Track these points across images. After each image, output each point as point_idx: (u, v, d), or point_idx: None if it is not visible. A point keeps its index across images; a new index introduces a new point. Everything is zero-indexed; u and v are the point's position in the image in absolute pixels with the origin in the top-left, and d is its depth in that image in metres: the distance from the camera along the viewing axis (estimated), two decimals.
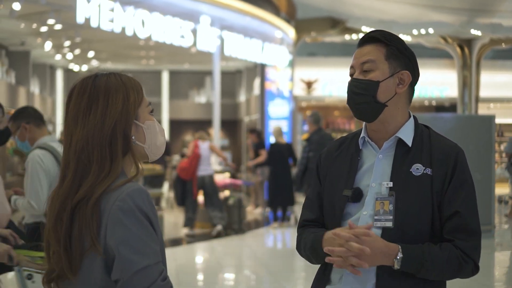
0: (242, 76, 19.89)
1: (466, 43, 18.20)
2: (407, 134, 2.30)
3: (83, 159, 1.85)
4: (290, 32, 15.58)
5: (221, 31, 12.33)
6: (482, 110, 19.47)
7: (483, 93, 18.83)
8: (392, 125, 2.31)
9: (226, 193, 12.68)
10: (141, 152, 1.95)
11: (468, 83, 18.49)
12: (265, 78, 16.16)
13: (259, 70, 16.36)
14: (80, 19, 9.46)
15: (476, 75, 18.48)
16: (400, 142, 2.30)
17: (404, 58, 2.30)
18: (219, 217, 11.01)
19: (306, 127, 18.89)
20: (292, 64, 16.35)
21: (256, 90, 16.99)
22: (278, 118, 16.13)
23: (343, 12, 17.57)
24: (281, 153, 12.34)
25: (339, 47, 20.61)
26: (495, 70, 19.33)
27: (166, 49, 14.25)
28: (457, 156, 2.25)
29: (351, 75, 2.35)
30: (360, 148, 2.37)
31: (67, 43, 13.67)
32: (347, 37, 17.83)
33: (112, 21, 9.88)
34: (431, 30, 17.14)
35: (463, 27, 17.64)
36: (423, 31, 17.13)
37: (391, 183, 2.24)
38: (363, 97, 2.27)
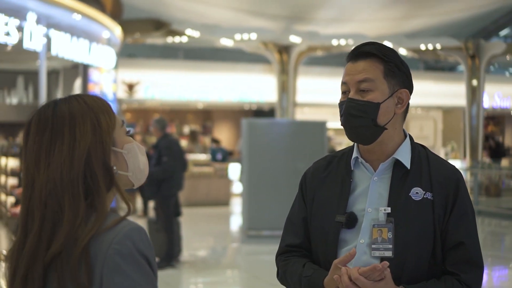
0: (59, 76, 18.87)
1: (284, 50, 18.73)
2: (404, 155, 2.14)
3: (52, 206, 1.51)
4: (118, 32, 15.03)
5: (48, 29, 11.55)
6: (298, 114, 20.11)
7: (300, 98, 19.45)
8: (389, 146, 2.14)
9: None
10: (125, 181, 1.64)
11: (286, 88, 19.05)
12: (88, 80, 15.42)
13: (81, 71, 15.57)
14: None
15: (294, 81, 19.08)
16: (398, 164, 2.13)
17: (401, 75, 2.13)
18: None
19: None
20: (116, 66, 15.79)
21: (77, 92, 16.15)
22: None
23: (167, 15, 17.33)
24: None
25: (159, 49, 20.32)
26: (311, 75, 19.98)
27: None
28: (458, 181, 2.12)
29: (344, 92, 2.14)
30: (352, 169, 2.18)
31: None
32: (169, 39, 17.62)
33: None
34: (253, 36, 17.42)
35: (283, 33, 18.15)
36: (245, 36, 17.36)
37: (389, 208, 2.06)
38: (361, 120, 2.08)
